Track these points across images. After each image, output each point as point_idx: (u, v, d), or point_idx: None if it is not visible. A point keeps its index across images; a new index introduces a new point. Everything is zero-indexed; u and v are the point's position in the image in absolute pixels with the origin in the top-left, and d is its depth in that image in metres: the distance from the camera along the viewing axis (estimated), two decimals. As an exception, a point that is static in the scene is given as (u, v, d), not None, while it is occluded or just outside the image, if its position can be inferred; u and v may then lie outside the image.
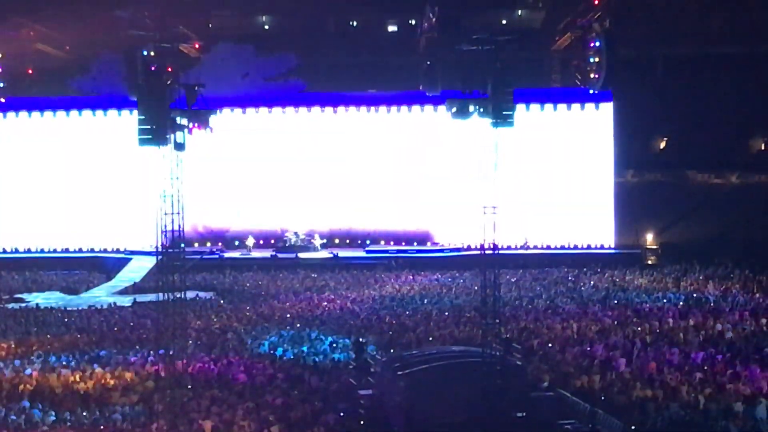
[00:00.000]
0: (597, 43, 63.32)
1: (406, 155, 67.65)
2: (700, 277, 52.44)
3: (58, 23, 69.50)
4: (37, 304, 47.68)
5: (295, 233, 65.68)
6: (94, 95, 67.42)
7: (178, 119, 31.68)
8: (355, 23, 76.01)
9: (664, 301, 45.26)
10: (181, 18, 64.14)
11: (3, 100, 68.59)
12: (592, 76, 64.31)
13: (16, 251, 68.32)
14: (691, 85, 69.93)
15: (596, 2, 63.85)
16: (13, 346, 36.86)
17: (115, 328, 40.54)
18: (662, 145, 74.16)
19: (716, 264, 55.22)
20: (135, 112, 32.11)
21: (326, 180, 67.99)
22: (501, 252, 32.85)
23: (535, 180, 66.75)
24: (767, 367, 30.07)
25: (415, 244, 67.02)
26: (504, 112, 34.42)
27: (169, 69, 38.37)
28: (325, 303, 46.83)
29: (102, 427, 25.22)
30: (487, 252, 31.79)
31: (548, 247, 66.31)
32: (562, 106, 66.93)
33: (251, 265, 60.64)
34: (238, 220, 68.35)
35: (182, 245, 30.67)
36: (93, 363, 33.51)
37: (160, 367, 30.81)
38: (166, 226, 29.80)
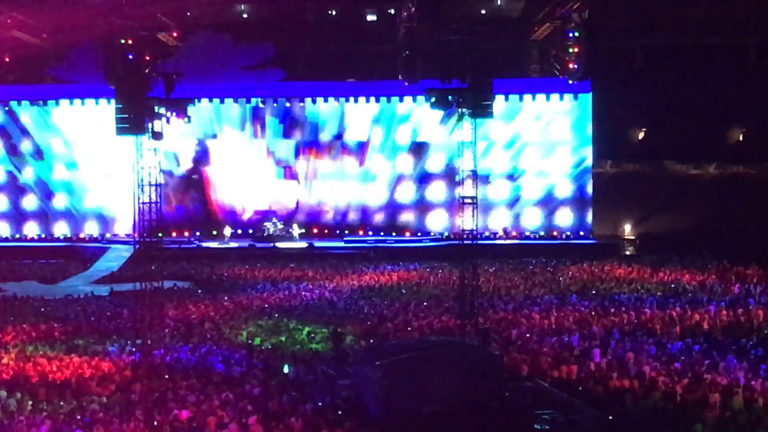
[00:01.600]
0: (576, 34, 63.28)
1: (385, 145, 67.64)
2: (678, 268, 52.51)
3: (35, 11, 69.09)
4: (14, 294, 47.41)
5: (274, 223, 65.58)
6: (71, 84, 67.13)
7: (155, 108, 31.56)
8: (333, 12, 75.69)
9: (642, 291, 45.32)
10: (159, 6, 63.93)
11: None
12: (570, 66, 64.30)
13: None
14: (670, 76, 70.08)
15: (575, -8, 63.95)
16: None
17: (92, 318, 40.40)
18: (640, 135, 74.28)
19: (694, 254, 55.31)
20: (113, 101, 31.98)
21: (304, 170, 68.05)
22: (479, 242, 32.91)
23: (514, 171, 66.87)
24: (744, 358, 30.15)
25: (394, 234, 66.99)
26: (483, 103, 34.41)
27: (147, 57, 38.27)
28: (304, 293, 46.78)
29: (79, 417, 25.09)
30: (465, 242, 31.82)
31: (527, 238, 66.42)
32: (540, 97, 66.99)
33: (229, 255, 60.56)
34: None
35: (160, 234, 30.62)
36: (70, 352, 33.38)
37: (137, 356, 30.73)
38: (143, 215, 29.70)
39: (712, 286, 45.90)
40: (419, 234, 67.33)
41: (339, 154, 68.28)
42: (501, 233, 65.42)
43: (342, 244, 64.49)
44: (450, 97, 35.66)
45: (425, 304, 42.45)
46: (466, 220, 33.59)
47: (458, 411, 25.03)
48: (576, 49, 63.45)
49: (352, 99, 67.79)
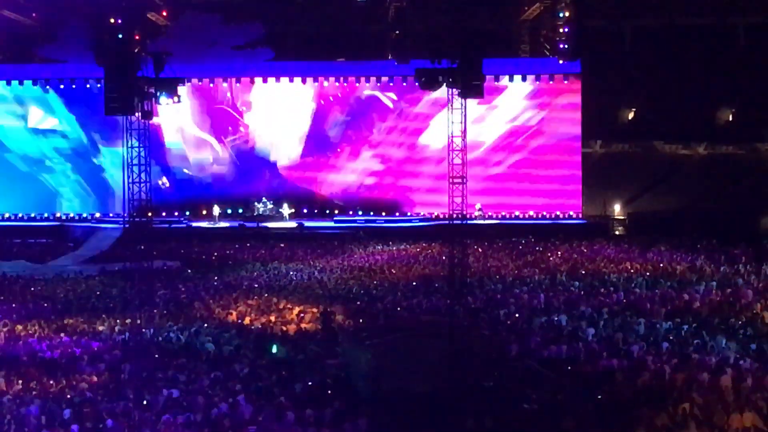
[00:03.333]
0: (566, 14, 63.30)
1: (376, 125, 67.69)
2: (667, 248, 52.61)
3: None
4: (3, 273, 47.38)
5: (264, 202, 65.57)
6: (60, 63, 66.96)
7: (145, 88, 31.50)
8: (324, -9, 75.63)
9: (631, 271, 45.41)
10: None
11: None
12: (560, 46, 64.33)
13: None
14: (660, 56, 70.04)
15: (565, -28, 63.89)
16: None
17: (82, 297, 40.41)
18: (630, 116, 74.23)
19: (683, 235, 55.39)
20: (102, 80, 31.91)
21: (297, 149, 68.13)
22: (468, 222, 32.91)
23: (503, 150, 66.91)
24: (733, 338, 30.27)
25: (384, 214, 66.97)
26: (473, 83, 34.39)
27: (137, 37, 38.23)
28: (293, 273, 46.80)
29: (69, 396, 25.14)
30: (454, 222, 31.81)
31: (516, 218, 66.45)
32: (530, 77, 66.97)
33: (218, 234, 60.56)
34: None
35: (149, 214, 30.56)
36: (60, 332, 33.39)
37: (126, 336, 30.73)
38: (133, 195, 29.65)
39: (701, 266, 46.00)
40: (409, 214, 67.34)
41: (329, 133, 68.37)
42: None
43: (332, 224, 64.45)
44: (440, 77, 35.65)
45: (414, 284, 42.48)
46: (455, 200, 33.57)
47: (447, 391, 25.11)
48: (566, 29, 63.45)
49: (342, 78, 67.64)
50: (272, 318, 35.83)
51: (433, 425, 23.18)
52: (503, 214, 66.57)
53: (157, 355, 29.03)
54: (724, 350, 28.61)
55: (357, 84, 67.63)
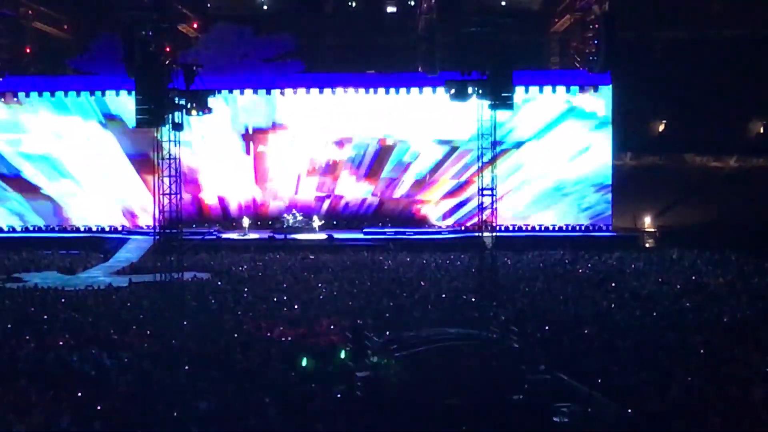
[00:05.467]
0: (596, 26, 63.17)
1: (405, 136, 67.69)
2: (698, 261, 52.40)
3: (56, 2, 69.45)
4: (35, 284, 47.58)
5: (293, 214, 65.76)
6: (92, 75, 67.23)
7: (176, 100, 31.65)
8: (353, 4, 75.74)
9: (662, 284, 45.23)
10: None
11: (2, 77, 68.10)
12: (591, 58, 64.18)
13: (14, 230, 68.27)
14: (691, 68, 69.78)
15: (596, -16, 63.78)
16: (9, 326, 36.75)
17: (113, 309, 40.49)
18: (661, 128, 73.99)
19: (714, 247, 55.15)
20: (133, 92, 32.02)
21: (324, 161, 68.25)
22: (498, 234, 32.89)
23: (534, 162, 66.76)
24: (763, 351, 30.10)
25: (413, 226, 66.94)
26: (503, 94, 34.42)
27: (168, 49, 38.34)
28: (322, 284, 46.78)
29: (99, 408, 25.20)
30: (484, 234, 31.81)
31: (546, 230, 66.39)
32: (560, 89, 66.78)
33: (248, 246, 60.70)
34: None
35: (180, 226, 30.67)
36: (90, 343, 33.46)
37: (157, 347, 30.78)
38: (163, 207, 29.76)
39: (733, 279, 45.78)
40: (438, 225, 67.33)
41: (358, 145, 68.36)
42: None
43: (361, 236, 64.47)
44: (470, 89, 35.67)
45: (444, 296, 42.41)
46: (485, 212, 33.59)
47: (477, 404, 25.04)
48: (596, 41, 63.32)
49: (372, 90, 67.64)
50: (302, 330, 35.82)
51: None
52: (533, 225, 66.52)
53: (187, 367, 29.07)
54: (757, 364, 28.46)
55: (386, 94, 67.51)
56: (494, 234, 33.77)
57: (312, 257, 56.50)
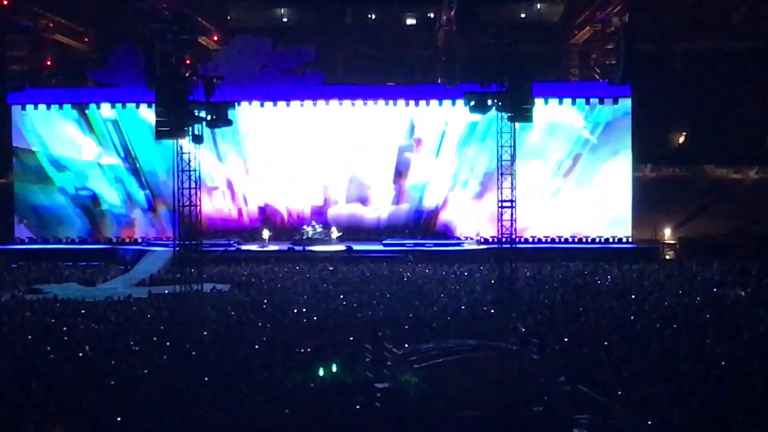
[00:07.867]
0: (616, 38, 63.18)
1: (424, 148, 67.76)
2: (718, 273, 52.24)
3: (77, 14, 69.78)
4: (55, 295, 47.69)
5: (312, 226, 65.88)
6: (112, 87, 67.51)
7: (196, 112, 31.72)
8: (373, 16, 76.06)
9: (682, 295, 45.10)
10: (200, 10, 64.33)
11: (23, 90, 68.35)
12: (610, 70, 64.17)
13: (34, 242, 68.52)
14: (710, 79, 69.79)
15: (615, -4, 63.85)
16: (29, 337, 36.84)
17: (133, 320, 40.55)
18: (681, 139, 74.02)
19: (734, 259, 54.99)
20: (153, 105, 32.11)
21: (344, 173, 68.37)
22: (518, 246, 32.84)
23: (553, 174, 66.73)
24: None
25: (433, 237, 66.95)
26: (522, 107, 34.39)
27: (188, 61, 38.41)
28: (341, 296, 46.76)
29: (119, 419, 25.26)
30: (504, 246, 31.77)
31: (565, 241, 66.35)
32: (580, 101, 66.72)
33: (268, 258, 60.75)
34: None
35: (199, 238, 30.73)
36: (110, 355, 33.52)
37: (176, 359, 30.83)
38: (183, 219, 29.83)
39: (753, 291, 45.65)
40: (458, 237, 67.35)
41: (377, 157, 68.45)
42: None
43: (380, 248, 64.49)
44: (489, 101, 35.67)
45: (463, 307, 42.35)
46: (505, 224, 33.53)
47: (497, 415, 25.02)
48: (616, 53, 63.30)
49: (391, 102, 67.66)
50: (321, 342, 35.82)
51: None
52: (552, 237, 66.49)
53: (207, 378, 29.12)
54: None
55: (406, 106, 67.54)
56: (513, 246, 33.68)
57: (331, 269, 56.47)
